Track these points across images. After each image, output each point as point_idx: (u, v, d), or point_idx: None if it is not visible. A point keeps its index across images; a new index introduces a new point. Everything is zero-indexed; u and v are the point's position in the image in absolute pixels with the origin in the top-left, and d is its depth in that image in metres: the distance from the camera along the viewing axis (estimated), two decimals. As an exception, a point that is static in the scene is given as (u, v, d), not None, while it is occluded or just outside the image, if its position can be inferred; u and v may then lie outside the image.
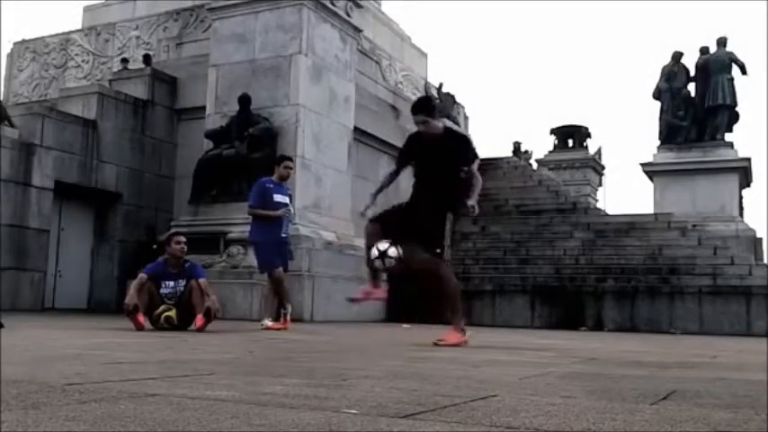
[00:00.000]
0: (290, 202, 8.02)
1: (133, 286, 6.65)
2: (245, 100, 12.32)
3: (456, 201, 5.49)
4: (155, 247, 11.00)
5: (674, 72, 19.97)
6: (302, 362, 3.75)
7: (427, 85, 21.00)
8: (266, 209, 7.72)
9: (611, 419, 1.91)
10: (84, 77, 17.18)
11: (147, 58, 15.25)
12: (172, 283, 6.81)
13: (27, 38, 18.56)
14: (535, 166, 33.11)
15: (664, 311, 12.30)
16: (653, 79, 20.45)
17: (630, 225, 15.04)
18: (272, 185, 7.81)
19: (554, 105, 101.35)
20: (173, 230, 11.66)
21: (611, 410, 2.08)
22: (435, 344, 5.28)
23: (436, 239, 5.33)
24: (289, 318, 7.78)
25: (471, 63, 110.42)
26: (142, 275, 6.76)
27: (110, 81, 14.98)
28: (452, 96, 20.65)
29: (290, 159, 8.42)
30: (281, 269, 7.78)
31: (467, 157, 5.55)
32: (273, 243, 7.69)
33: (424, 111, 5.54)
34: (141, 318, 6.45)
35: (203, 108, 13.21)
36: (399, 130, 17.28)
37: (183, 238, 7.03)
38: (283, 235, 7.84)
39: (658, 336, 10.36)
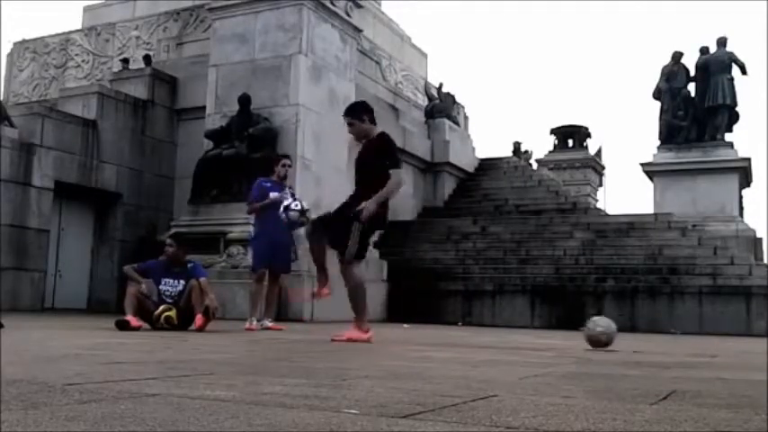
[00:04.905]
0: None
1: (127, 305, 6.65)
2: (245, 100, 12.32)
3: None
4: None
5: (674, 72, 19.97)
6: (302, 362, 3.75)
7: (427, 85, 21.01)
8: (263, 207, 7.69)
9: (611, 419, 1.91)
10: (85, 77, 17.17)
11: (147, 58, 15.24)
12: (172, 282, 6.81)
13: (27, 38, 18.57)
14: (535, 166, 33.13)
15: (664, 311, 12.30)
16: (653, 79, 20.48)
17: (630, 225, 15.04)
18: (269, 184, 7.79)
19: (554, 105, 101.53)
20: (173, 231, 11.69)
21: (611, 410, 2.08)
22: (333, 340, 5.55)
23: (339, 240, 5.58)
24: (254, 324, 7.45)
25: (471, 63, 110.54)
26: (132, 275, 6.77)
27: (110, 81, 14.98)
28: (452, 96, 20.66)
29: (287, 157, 8.39)
30: (265, 272, 7.67)
31: (384, 163, 5.59)
32: (267, 244, 7.61)
33: (350, 114, 5.80)
34: (134, 321, 6.44)
35: (203, 108, 13.21)
36: (399, 130, 17.31)
37: (171, 241, 7.07)
38: (290, 218, 7.69)
39: (658, 336, 10.35)
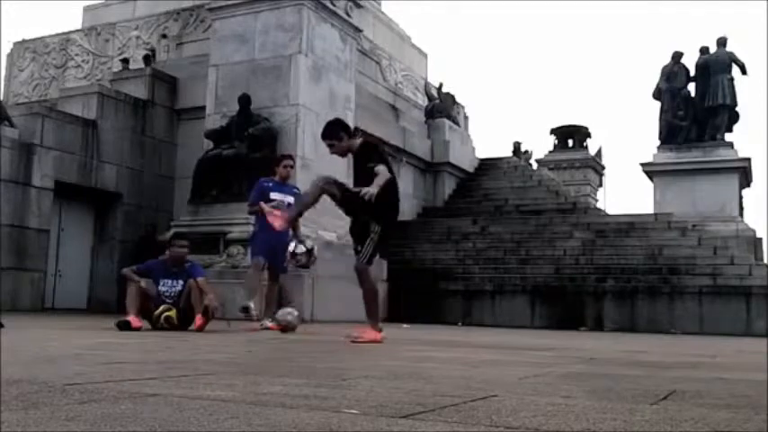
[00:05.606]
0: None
1: (129, 303, 6.62)
2: (245, 100, 12.31)
3: (377, 211, 5.54)
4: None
5: (674, 72, 19.95)
6: (302, 362, 3.75)
7: (427, 85, 21.01)
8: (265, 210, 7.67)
9: (611, 419, 1.91)
10: (85, 77, 17.17)
11: (147, 58, 15.24)
12: (170, 282, 6.81)
13: (27, 38, 18.56)
14: (535, 166, 33.10)
15: (664, 311, 12.30)
16: (653, 79, 20.46)
17: (630, 225, 15.04)
18: (270, 184, 7.78)
19: (554, 105, 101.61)
20: (173, 231, 11.69)
21: (611, 410, 2.08)
22: (353, 341, 5.46)
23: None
24: (252, 308, 7.46)
25: (471, 63, 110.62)
26: (131, 276, 6.74)
27: (110, 81, 14.98)
28: (452, 96, 20.66)
29: (290, 157, 8.39)
30: (264, 263, 7.62)
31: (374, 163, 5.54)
32: (267, 243, 7.59)
33: (327, 136, 5.77)
34: (135, 321, 6.43)
35: (203, 108, 13.20)
36: (399, 130, 17.32)
37: (183, 242, 7.05)
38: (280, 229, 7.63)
39: (658, 336, 10.36)
